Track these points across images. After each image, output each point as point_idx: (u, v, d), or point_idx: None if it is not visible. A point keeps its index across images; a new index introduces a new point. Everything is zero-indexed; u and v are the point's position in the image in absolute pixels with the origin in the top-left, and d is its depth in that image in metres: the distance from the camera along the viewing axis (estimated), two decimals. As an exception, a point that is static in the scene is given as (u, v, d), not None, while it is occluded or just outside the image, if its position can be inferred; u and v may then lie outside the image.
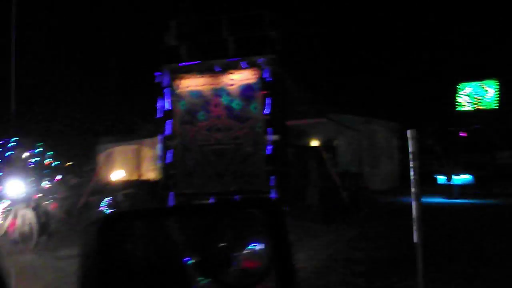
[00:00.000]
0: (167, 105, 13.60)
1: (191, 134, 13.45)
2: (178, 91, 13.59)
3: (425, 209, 6.05)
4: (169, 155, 13.47)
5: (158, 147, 13.70)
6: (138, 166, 20.90)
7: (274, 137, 13.14)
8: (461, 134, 22.73)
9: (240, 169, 13.12)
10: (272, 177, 12.94)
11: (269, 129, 13.12)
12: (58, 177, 16.84)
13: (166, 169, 13.53)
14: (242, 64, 13.30)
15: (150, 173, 20.26)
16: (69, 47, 26.10)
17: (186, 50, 13.66)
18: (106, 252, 1.15)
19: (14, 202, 11.73)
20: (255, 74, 13.28)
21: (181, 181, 13.43)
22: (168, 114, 13.60)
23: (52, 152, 17.74)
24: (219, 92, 13.42)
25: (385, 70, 34.24)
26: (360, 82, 32.73)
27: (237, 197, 12.79)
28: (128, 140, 21.61)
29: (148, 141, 20.84)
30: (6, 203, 12.05)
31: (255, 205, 1.39)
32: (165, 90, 13.63)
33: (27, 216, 11.11)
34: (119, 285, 1.19)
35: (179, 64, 13.52)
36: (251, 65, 13.30)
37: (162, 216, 1.40)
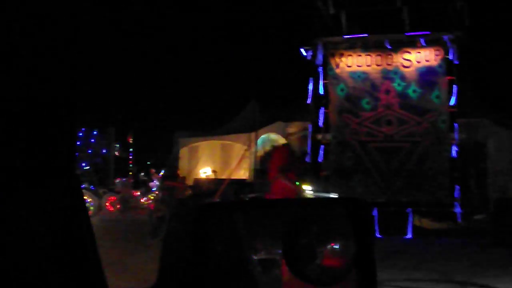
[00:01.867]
0: (320, 89, 10.73)
1: (351, 126, 10.58)
2: (337, 71, 10.70)
3: None
4: (321, 153, 10.60)
5: (307, 142, 10.82)
6: (227, 164, 18.08)
7: (461, 135, 10.24)
8: None
9: (416, 174, 10.22)
10: (457, 187, 10.03)
11: (455, 125, 10.21)
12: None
13: (316, 169, 10.65)
14: (421, 41, 10.41)
15: (242, 173, 17.49)
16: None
17: (346, 21, 10.79)
18: (200, 241, 1.16)
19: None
20: (438, 54, 10.41)
21: (334, 186, 10.55)
22: (321, 100, 10.73)
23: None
24: (390, 74, 10.54)
25: None
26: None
27: (409, 209, 9.86)
28: (214, 135, 18.83)
29: (242, 136, 18.06)
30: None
31: (341, 203, 1.45)
32: (319, 70, 10.77)
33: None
34: (204, 274, 1.16)
35: (343, 37, 10.64)
36: (432, 43, 10.43)
37: (253, 209, 1.42)
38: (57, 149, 0.98)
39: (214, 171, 15.50)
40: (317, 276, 1.23)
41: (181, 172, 16.85)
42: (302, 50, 11.20)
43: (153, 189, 12.37)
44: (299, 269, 1.23)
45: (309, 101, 10.88)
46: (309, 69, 10.95)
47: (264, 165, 17.25)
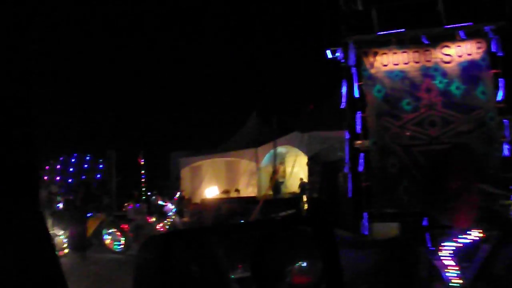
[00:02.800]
0: (355, 91, 9.80)
1: (392, 130, 9.67)
2: (371, 71, 9.81)
3: None
4: (361, 161, 9.62)
5: (345, 150, 9.83)
6: (233, 181, 16.94)
7: (512, 133, 9.45)
8: None
9: (467, 178, 9.30)
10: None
11: (506, 121, 9.42)
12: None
13: (356, 179, 9.66)
14: (461, 33, 9.63)
15: (250, 189, 16.42)
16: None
17: (377, 17, 9.93)
18: (166, 264, 1.19)
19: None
20: (480, 47, 9.64)
21: (379, 197, 9.59)
22: (357, 104, 9.79)
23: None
24: (430, 71, 9.70)
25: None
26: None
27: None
28: (217, 153, 17.70)
29: (247, 152, 17.00)
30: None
31: (305, 222, 1.56)
32: (352, 71, 9.86)
33: None
34: None
35: (376, 34, 9.76)
36: (473, 35, 9.67)
37: (217, 234, 1.48)
38: (19, 178, 0.90)
39: (226, 191, 14.36)
40: None
41: (186, 193, 15.65)
42: (328, 51, 10.29)
43: (169, 214, 11.13)
44: None
45: (343, 105, 9.93)
46: (339, 71, 10.04)
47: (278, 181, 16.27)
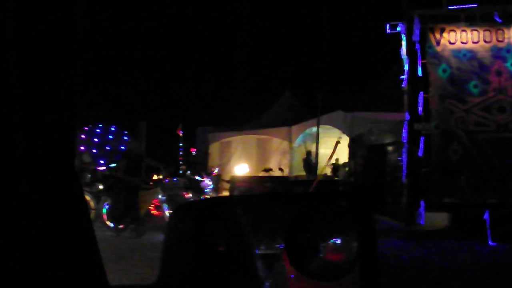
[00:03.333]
0: (419, 70, 9.07)
1: (457, 114, 8.97)
2: (437, 49, 9.06)
3: None
4: (421, 146, 8.94)
5: (403, 133, 9.15)
6: (263, 159, 16.33)
7: None
8: None
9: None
10: None
11: None
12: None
13: (414, 165, 9.01)
14: (537, 12, 8.84)
15: (282, 169, 15.81)
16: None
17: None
18: (199, 232, 1.19)
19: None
20: (558, 28, 8.82)
21: (439, 185, 8.93)
22: (420, 83, 9.08)
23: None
24: (501, 53, 8.95)
25: None
26: None
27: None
28: (248, 129, 17.06)
29: (280, 130, 16.35)
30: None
31: (343, 196, 1.44)
32: (416, 48, 9.11)
33: None
34: (201, 268, 1.20)
35: (446, 8, 8.99)
36: (551, 15, 8.84)
37: (253, 203, 1.40)
38: (56, 148, 0.95)
39: (269, 169, 13.63)
40: (320, 270, 1.20)
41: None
42: (387, 25, 9.53)
43: (205, 190, 10.59)
44: (302, 264, 1.18)
45: (404, 84, 9.21)
46: (397, 49, 9.32)
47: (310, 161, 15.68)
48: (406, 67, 9.16)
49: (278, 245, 1.35)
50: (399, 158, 10.36)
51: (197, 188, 10.67)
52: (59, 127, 0.95)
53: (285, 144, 16.15)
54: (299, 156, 15.89)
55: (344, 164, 13.37)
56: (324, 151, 15.04)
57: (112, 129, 17.35)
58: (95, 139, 16.61)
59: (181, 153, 15.88)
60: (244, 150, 16.29)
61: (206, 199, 5.06)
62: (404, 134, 9.12)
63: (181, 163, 15.57)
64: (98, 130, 16.78)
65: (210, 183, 10.90)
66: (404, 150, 9.14)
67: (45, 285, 0.91)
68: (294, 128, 15.69)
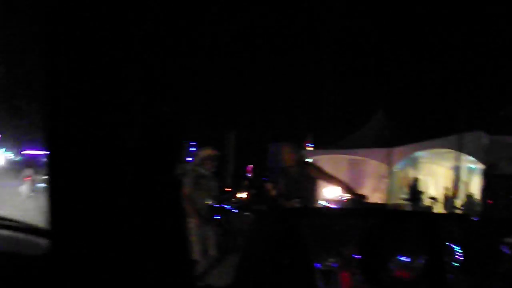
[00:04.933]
0: None
1: None
2: None
3: None
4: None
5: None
6: (356, 182, 14.59)
7: None
8: None
9: None
10: None
11: None
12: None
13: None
14: None
15: (376, 195, 14.07)
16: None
17: None
18: (275, 240, 1.19)
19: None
20: None
21: None
22: None
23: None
24: None
25: None
26: None
27: None
28: (336, 149, 15.42)
29: (377, 152, 14.65)
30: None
31: (415, 217, 1.47)
32: None
33: None
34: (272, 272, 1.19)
35: None
36: None
37: (323, 217, 1.43)
38: (166, 147, 1.00)
39: (361, 195, 11.92)
40: (388, 285, 1.19)
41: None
42: None
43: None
44: (373, 276, 1.17)
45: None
46: None
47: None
48: None
49: (332, 262, 1.45)
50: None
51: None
52: (171, 127, 0.98)
53: (383, 167, 14.40)
54: (399, 182, 14.14)
55: (470, 195, 11.56)
56: (424, 178, 13.53)
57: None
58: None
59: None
60: (333, 172, 14.61)
61: (293, 207, 4.93)
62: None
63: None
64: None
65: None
66: None
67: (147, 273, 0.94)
68: (396, 150, 13.98)
